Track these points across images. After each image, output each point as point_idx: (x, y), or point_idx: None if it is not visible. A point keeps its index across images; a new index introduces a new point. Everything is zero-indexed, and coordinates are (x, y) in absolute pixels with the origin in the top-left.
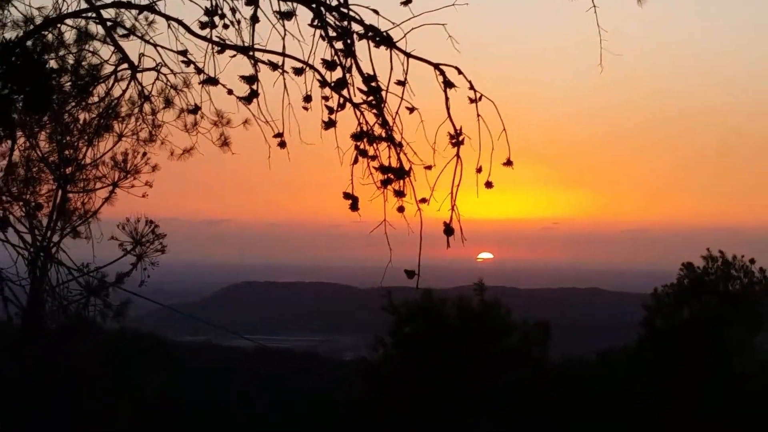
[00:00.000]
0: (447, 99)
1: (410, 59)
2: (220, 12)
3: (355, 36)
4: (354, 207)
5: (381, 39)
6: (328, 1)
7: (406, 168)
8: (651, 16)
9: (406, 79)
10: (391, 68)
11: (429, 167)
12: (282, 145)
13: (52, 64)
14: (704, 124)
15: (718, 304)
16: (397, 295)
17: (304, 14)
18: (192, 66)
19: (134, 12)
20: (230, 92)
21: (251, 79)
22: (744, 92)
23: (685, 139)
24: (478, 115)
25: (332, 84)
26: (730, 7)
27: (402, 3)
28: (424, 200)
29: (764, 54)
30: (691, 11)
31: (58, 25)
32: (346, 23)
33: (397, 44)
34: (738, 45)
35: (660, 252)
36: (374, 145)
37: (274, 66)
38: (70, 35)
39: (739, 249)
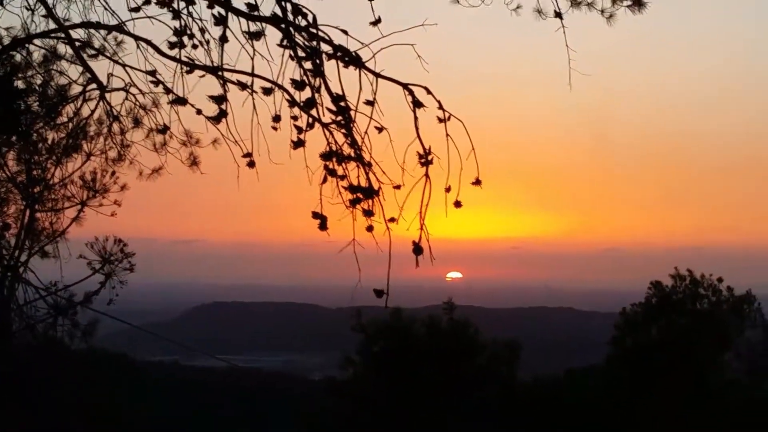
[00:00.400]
0: (416, 119)
1: (379, 79)
2: (189, 32)
3: (324, 56)
4: (323, 226)
5: (350, 59)
6: (297, 22)
7: (375, 187)
8: (621, 37)
9: (375, 98)
10: (360, 88)
11: (398, 187)
12: (251, 164)
13: (20, 84)
14: (674, 145)
15: (686, 322)
16: (367, 314)
17: (273, 34)
18: (161, 86)
19: (103, 32)
20: (199, 112)
21: (220, 99)
22: (714, 114)
23: (654, 160)
24: (447, 135)
25: (301, 104)
26: (703, 30)
27: (371, 23)
28: (393, 219)
29: (738, 76)
30: (661, 33)
31: (27, 46)
32: (315, 43)
33: (366, 64)
34: (712, 67)
35: (629, 271)
36: (343, 164)
37: (243, 86)
38: (38, 55)
39: (707, 268)
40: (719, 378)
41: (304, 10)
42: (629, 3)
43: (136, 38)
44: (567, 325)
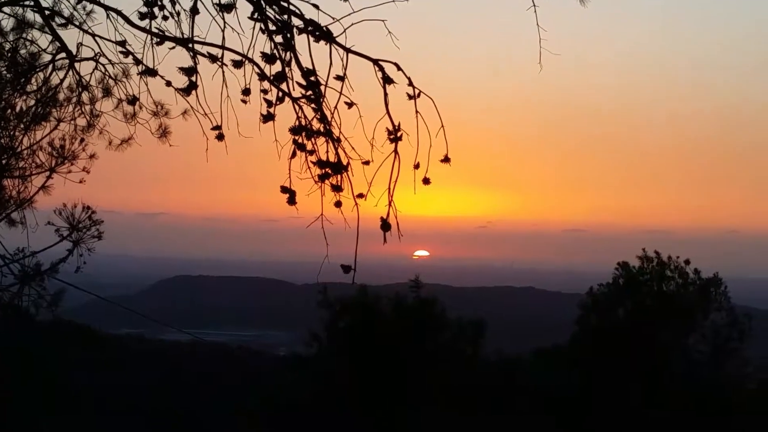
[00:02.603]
0: (386, 95)
1: (350, 54)
2: (159, 3)
3: (294, 30)
4: (291, 201)
5: (321, 33)
6: None
7: (344, 163)
8: (594, 18)
9: (345, 74)
10: (331, 63)
11: (367, 162)
12: (220, 137)
13: None
14: (640, 127)
15: (652, 304)
16: (333, 291)
17: (244, 7)
18: (131, 57)
19: (72, 1)
20: (169, 84)
21: (190, 71)
22: (681, 96)
23: (623, 141)
24: (417, 112)
25: (271, 77)
26: (674, 11)
27: None
28: (361, 195)
29: (710, 57)
30: (631, 11)
31: None
32: (286, 17)
33: (337, 39)
34: (672, 47)
35: (593, 252)
36: (312, 139)
37: (213, 58)
38: (7, 23)
39: (675, 250)
40: (683, 359)
41: None
42: None
43: (106, 8)
44: (531, 304)
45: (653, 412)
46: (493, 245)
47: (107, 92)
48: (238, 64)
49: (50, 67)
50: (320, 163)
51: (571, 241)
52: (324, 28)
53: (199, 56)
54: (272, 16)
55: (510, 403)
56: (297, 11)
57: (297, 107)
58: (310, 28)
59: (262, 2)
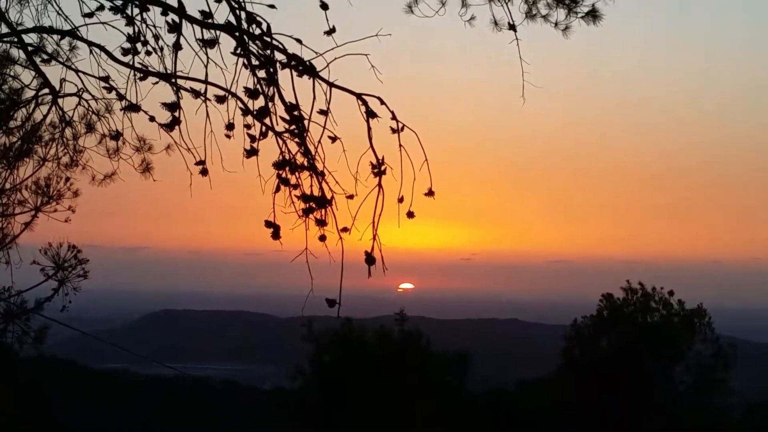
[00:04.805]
0: (369, 129)
1: (333, 89)
2: (142, 39)
3: (278, 65)
4: (275, 235)
5: (304, 68)
6: (251, 30)
7: (328, 197)
8: (576, 51)
9: (328, 108)
10: (314, 97)
11: (351, 196)
12: (204, 172)
13: None
14: (623, 158)
15: (636, 335)
16: (318, 324)
17: (227, 42)
18: (114, 92)
19: (56, 37)
20: (152, 119)
21: (173, 107)
22: (661, 126)
23: (605, 172)
24: (401, 145)
25: (254, 112)
26: (644, 45)
27: (325, 33)
28: (345, 229)
29: (681, 88)
30: (612, 48)
31: None
32: (269, 52)
33: (320, 73)
34: (654, 78)
35: (580, 283)
36: (296, 173)
37: (196, 93)
38: None
39: (659, 280)
40: (668, 390)
41: (259, 18)
42: (583, 14)
43: (90, 44)
44: (515, 336)
45: None
46: (477, 277)
47: (90, 128)
48: (221, 99)
49: (33, 102)
50: (304, 198)
51: (554, 272)
52: (307, 63)
53: (182, 91)
54: (255, 51)
55: None
56: (280, 46)
57: (280, 142)
58: (293, 63)
59: (245, 37)
